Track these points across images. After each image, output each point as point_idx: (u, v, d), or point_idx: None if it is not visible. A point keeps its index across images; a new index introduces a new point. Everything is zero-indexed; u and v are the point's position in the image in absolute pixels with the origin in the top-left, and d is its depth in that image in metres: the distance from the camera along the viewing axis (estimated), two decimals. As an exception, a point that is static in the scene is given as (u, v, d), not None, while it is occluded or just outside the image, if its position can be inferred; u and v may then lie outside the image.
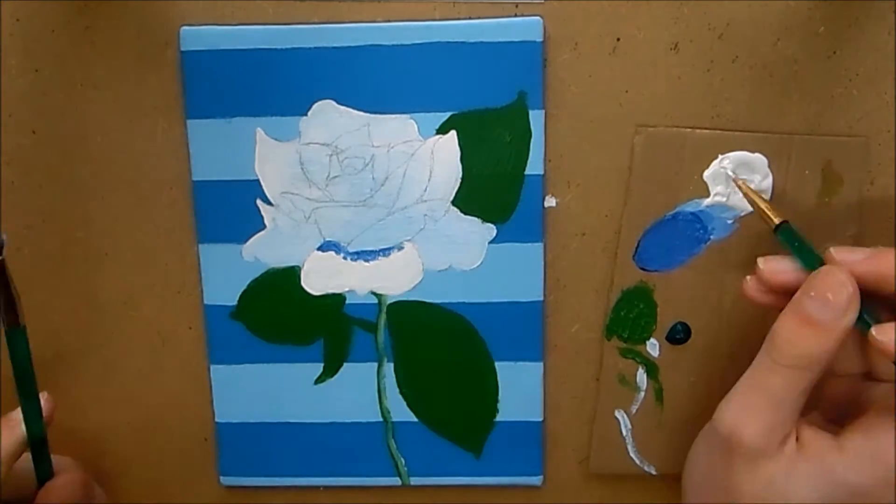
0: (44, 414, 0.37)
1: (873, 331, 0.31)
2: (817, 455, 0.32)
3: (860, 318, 0.31)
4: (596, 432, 0.41)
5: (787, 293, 0.33)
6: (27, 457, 0.37)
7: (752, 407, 0.32)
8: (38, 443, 0.37)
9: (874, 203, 0.39)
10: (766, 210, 0.35)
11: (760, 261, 0.34)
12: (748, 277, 0.34)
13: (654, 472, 0.42)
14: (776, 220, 0.34)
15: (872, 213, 0.39)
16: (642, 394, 0.41)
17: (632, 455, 0.42)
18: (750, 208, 0.38)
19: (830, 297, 0.31)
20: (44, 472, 0.37)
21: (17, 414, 0.36)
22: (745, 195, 0.36)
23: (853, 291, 0.31)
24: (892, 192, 0.38)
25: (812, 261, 0.33)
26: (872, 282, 0.32)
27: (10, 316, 0.35)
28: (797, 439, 0.32)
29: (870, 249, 0.32)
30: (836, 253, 0.32)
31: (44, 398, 0.37)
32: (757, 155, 0.38)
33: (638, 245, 0.39)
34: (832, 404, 0.35)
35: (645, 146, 0.38)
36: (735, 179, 0.37)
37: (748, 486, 0.32)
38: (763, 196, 0.36)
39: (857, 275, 0.32)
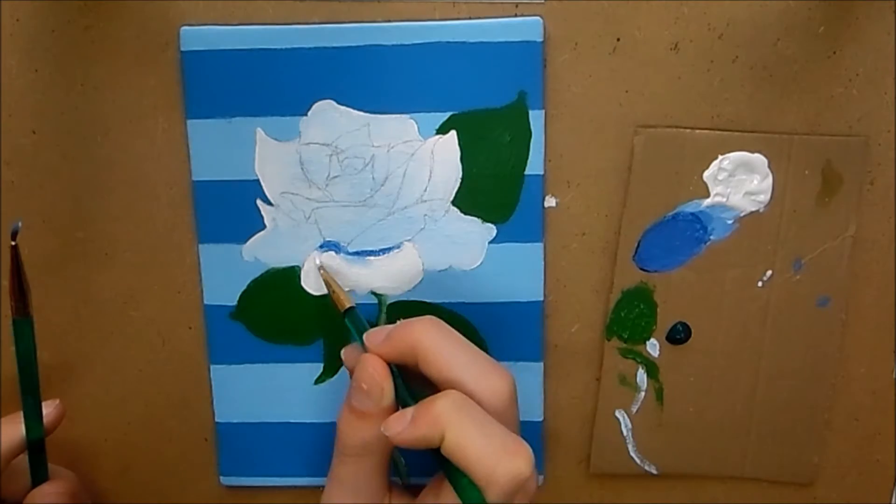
0: (51, 419, 0.37)
1: (382, 426, 0.32)
2: None
3: (399, 395, 0.33)
4: (596, 432, 0.41)
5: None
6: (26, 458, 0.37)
7: (336, 497, 0.34)
8: (35, 443, 0.37)
9: (874, 203, 0.39)
10: (338, 294, 0.37)
11: (342, 352, 0.37)
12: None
13: (655, 472, 0.42)
14: (346, 305, 0.36)
15: (872, 212, 0.39)
16: (643, 394, 0.41)
17: (632, 455, 0.42)
18: (750, 209, 0.38)
19: (365, 386, 0.33)
20: (39, 475, 0.37)
21: (20, 415, 0.37)
22: (323, 279, 0.38)
23: (380, 377, 0.33)
24: (892, 192, 0.38)
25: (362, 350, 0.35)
26: (399, 358, 0.33)
27: (20, 305, 0.35)
28: None
29: (389, 327, 0.34)
30: (368, 339, 0.34)
31: (53, 404, 0.38)
32: (757, 155, 0.38)
33: (638, 245, 0.39)
34: None
35: (644, 147, 0.38)
36: (317, 263, 0.39)
37: None
38: (337, 283, 0.38)
39: (386, 356, 0.33)
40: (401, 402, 0.33)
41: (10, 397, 0.41)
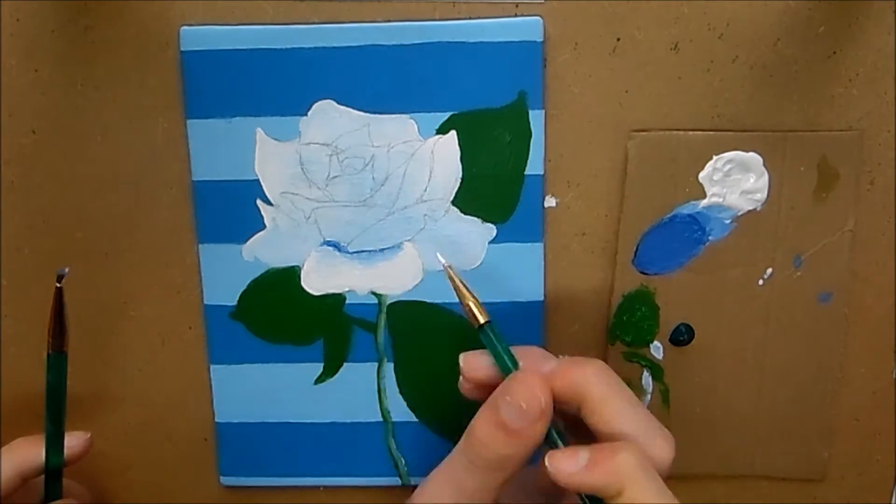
0: (76, 451, 0.38)
1: (546, 459, 0.30)
2: None
3: (549, 433, 0.31)
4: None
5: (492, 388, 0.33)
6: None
7: (447, 498, 0.32)
8: (53, 471, 0.37)
9: (874, 203, 0.39)
10: (472, 308, 0.33)
11: (461, 357, 0.34)
12: (461, 379, 0.34)
13: (662, 473, 0.42)
14: (481, 320, 0.33)
15: (873, 212, 0.39)
16: (648, 396, 0.41)
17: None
18: (747, 207, 0.38)
19: (524, 405, 0.31)
20: (53, 494, 0.38)
21: (41, 439, 0.37)
22: (456, 290, 0.34)
23: (545, 404, 0.30)
24: (892, 191, 0.38)
25: (508, 365, 0.32)
26: (559, 397, 0.31)
27: (58, 341, 0.36)
28: None
29: (561, 360, 0.32)
30: (530, 364, 0.32)
31: (84, 437, 0.38)
32: (752, 154, 0.38)
33: (637, 249, 0.39)
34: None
35: (639, 151, 0.38)
36: (450, 274, 0.34)
37: None
38: (473, 294, 0.34)
39: (553, 386, 0.31)
40: (549, 439, 0.32)
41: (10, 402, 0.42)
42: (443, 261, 0.34)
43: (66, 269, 0.35)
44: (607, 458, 0.29)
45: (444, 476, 0.33)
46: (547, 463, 0.30)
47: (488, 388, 0.33)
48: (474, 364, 0.34)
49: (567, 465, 0.30)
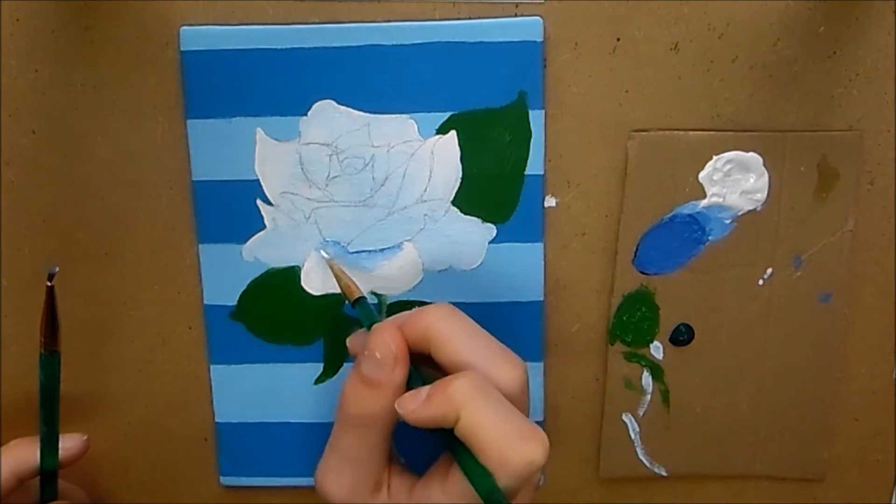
0: (72, 453, 0.38)
1: (395, 404, 0.32)
2: (398, 502, 0.33)
3: (411, 380, 0.33)
4: (604, 437, 0.41)
5: None
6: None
7: (333, 467, 0.34)
8: (48, 473, 0.37)
9: (874, 203, 0.39)
10: (348, 284, 0.35)
11: (347, 341, 0.36)
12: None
13: (664, 474, 0.42)
14: (356, 294, 0.35)
15: (872, 212, 0.39)
16: (648, 396, 0.41)
17: (641, 458, 0.42)
18: (747, 207, 0.38)
19: (378, 354, 0.32)
20: (48, 495, 0.38)
21: (38, 440, 0.37)
22: (332, 269, 0.36)
23: (396, 348, 0.32)
24: (892, 191, 0.38)
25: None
26: (412, 344, 0.33)
27: (50, 340, 0.36)
28: (388, 487, 0.34)
29: (407, 313, 0.34)
30: (382, 325, 0.33)
31: (80, 439, 0.38)
32: (752, 154, 0.38)
33: (637, 249, 0.39)
34: None
35: (638, 151, 0.38)
36: (324, 256, 0.38)
37: None
38: (346, 273, 0.36)
39: (404, 334, 0.33)
40: (411, 387, 0.33)
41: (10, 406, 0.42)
42: (325, 255, 0.37)
43: (57, 268, 0.35)
44: (443, 389, 0.31)
45: (329, 442, 0.34)
46: (396, 406, 0.32)
47: None
48: (355, 341, 0.35)
49: (410, 402, 0.31)
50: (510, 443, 0.30)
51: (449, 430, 0.31)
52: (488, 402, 0.31)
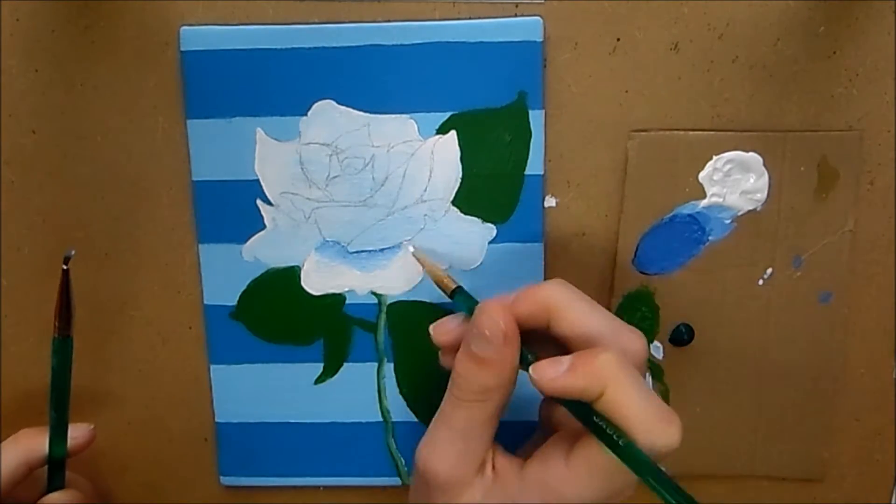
0: (79, 442, 0.38)
1: (531, 370, 0.31)
2: (505, 483, 0.33)
3: (522, 354, 0.32)
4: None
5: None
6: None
7: (441, 441, 0.33)
8: (56, 461, 0.37)
9: (874, 203, 0.39)
10: (440, 276, 0.36)
11: (431, 328, 0.35)
12: (440, 354, 0.36)
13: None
14: (452, 286, 0.35)
15: (873, 213, 0.39)
16: (649, 396, 0.41)
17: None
18: (747, 207, 0.38)
19: (487, 332, 0.32)
20: (55, 484, 0.38)
21: (46, 430, 0.37)
22: (423, 265, 0.37)
23: (505, 325, 0.32)
24: (892, 191, 0.38)
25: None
26: (528, 318, 0.33)
27: (64, 325, 0.36)
28: (493, 467, 0.33)
29: (514, 293, 0.33)
30: (492, 300, 0.33)
31: (87, 428, 0.38)
32: (752, 154, 0.38)
33: (637, 249, 0.39)
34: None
35: (638, 151, 0.38)
36: (413, 251, 0.38)
37: None
38: (439, 267, 0.37)
39: (514, 314, 0.32)
40: (523, 362, 0.33)
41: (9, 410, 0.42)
42: (412, 249, 0.37)
43: (73, 252, 0.35)
44: (588, 361, 0.30)
45: (438, 417, 0.34)
46: (531, 372, 0.31)
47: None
48: (443, 328, 0.35)
49: (550, 371, 0.31)
50: (654, 424, 0.29)
51: (581, 403, 0.30)
52: (633, 379, 0.30)
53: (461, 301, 0.35)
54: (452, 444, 0.33)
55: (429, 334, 0.35)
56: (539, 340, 0.33)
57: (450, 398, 0.33)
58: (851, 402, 0.41)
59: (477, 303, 0.34)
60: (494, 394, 0.32)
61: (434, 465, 0.33)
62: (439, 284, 0.36)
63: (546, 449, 0.33)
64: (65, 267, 0.35)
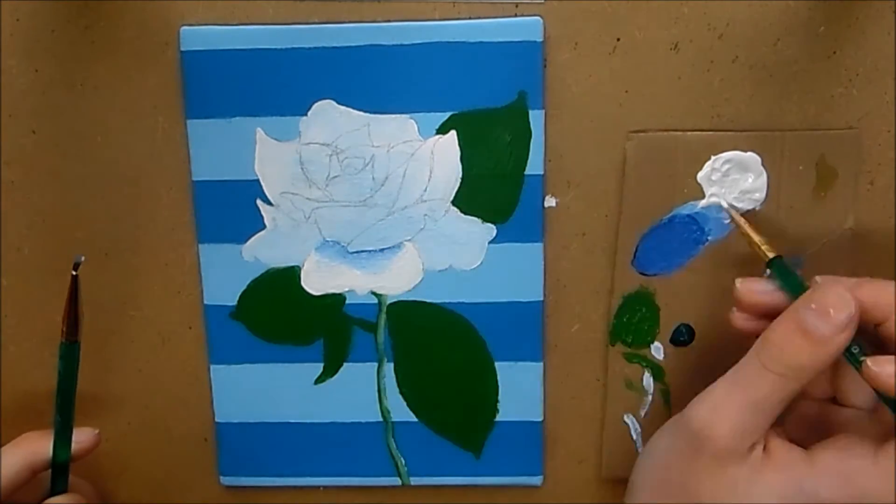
0: (83, 447, 0.38)
1: (869, 361, 0.31)
2: (785, 465, 0.32)
3: (849, 346, 0.31)
4: (606, 438, 0.41)
5: (769, 316, 0.33)
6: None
7: (731, 406, 0.32)
8: (60, 465, 0.37)
9: (874, 203, 0.39)
10: (757, 242, 0.35)
11: (738, 282, 0.34)
12: (734, 309, 0.35)
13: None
14: (770, 254, 0.34)
15: (873, 213, 0.39)
16: (650, 397, 0.41)
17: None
18: (746, 207, 0.38)
19: (832, 311, 0.31)
20: (58, 487, 0.38)
21: (50, 433, 0.37)
22: (740, 229, 0.36)
23: (854, 311, 0.31)
24: (892, 191, 0.38)
25: (801, 287, 0.33)
26: (866, 309, 0.32)
27: (71, 330, 0.36)
28: (764, 448, 0.32)
29: (855, 280, 0.32)
30: (830, 282, 0.32)
31: (92, 433, 0.38)
32: (750, 154, 0.38)
33: (636, 250, 0.39)
34: (797, 425, 0.35)
35: (636, 152, 0.38)
36: (732, 215, 0.37)
37: (710, 486, 0.32)
38: (756, 232, 0.36)
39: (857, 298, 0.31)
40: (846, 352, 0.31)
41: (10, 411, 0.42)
42: (724, 204, 0.36)
43: (83, 257, 0.35)
44: None
45: (734, 382, 0.32)
46: (870, 363, 0.30)
47: (763, 318, 0.33)
48: (755, 287, 0.34)
49: (888, 367, 0.30)
50: None
51: None
52: None
53: (779, 272, 0.33)
54: (741, 413, 0.31)
55: (734, 286, 0.34)
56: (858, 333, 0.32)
57: (754, 365, 0.32)
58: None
59: (797, 278, 0.33)
60: (806, 373, 0.31)
61: (717, 430, 0.31)
62: (758, 251, 0.34)
63: (844, 441, 0.32)
64: (74, 273, 0.35)
